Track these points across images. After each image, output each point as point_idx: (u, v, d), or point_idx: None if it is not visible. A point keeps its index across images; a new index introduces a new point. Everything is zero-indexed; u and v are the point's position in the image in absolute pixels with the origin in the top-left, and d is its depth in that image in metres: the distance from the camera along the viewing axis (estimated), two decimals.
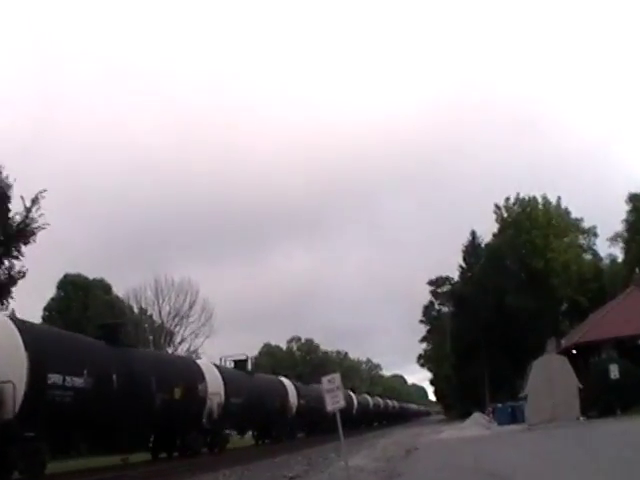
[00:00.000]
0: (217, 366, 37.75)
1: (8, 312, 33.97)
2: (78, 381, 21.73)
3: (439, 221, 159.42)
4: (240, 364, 42.17)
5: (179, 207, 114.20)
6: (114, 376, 24.23)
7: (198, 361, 38.30)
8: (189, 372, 32.65)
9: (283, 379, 49.67)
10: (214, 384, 34.11)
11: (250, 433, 46.36)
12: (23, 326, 20.56)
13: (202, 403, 32.52)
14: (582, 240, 69.82)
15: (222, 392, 34.69)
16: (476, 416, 48.55)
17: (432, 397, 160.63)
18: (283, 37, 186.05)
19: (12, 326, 19.90)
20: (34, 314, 55.33)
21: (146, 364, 28.03)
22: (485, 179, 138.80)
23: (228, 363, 42.19)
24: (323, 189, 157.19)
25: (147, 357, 29.78)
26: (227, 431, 37.88)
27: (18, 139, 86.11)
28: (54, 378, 20.55)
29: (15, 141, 76.50)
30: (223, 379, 35.40)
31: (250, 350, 72.81)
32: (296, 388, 49.20)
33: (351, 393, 66.12)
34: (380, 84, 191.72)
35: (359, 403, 71.24)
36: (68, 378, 21.20)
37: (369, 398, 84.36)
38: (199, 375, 33.08)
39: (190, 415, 31.10)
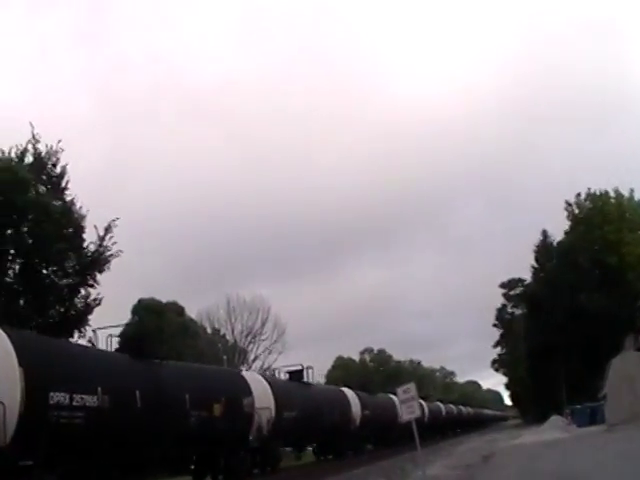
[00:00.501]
0: (266, 378, 35.42)
1: (86, 339, 33.32)
2: (90, 400, 19.29)
3: (509, 223, 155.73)
4: (295, 375, 39.59)
5: (248, 226, 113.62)
6: (138, 393, 21.86)
7: (244, 373, 35.75)
8: (232, 386, 30.16)
9: (345, 389, 47.11)
10: (263, 398, 31.56)
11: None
12: (18, 337, 17.97)
13: (249, 419, 29.99)
14: None
15: (272, 406, 32.16)
16: (554, 419, 46.92)
17: (508, 401, 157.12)
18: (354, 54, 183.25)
19: (3, 337, 17.40)
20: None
21: (179, 379, 25.66)
22: (555, 176, 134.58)
23: (283, 375, 40.05)
24: (392, 200, 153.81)
25: (180, 371, 27.22)
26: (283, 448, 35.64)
27: (91, 167, 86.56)
28: (58, 397, 18.04)
29: (88, 170, 77.61)
30: (273, 392, 32.75)
31: (323, 364, 71.80)
32: (359, 398, 46.47)
33: (422, 401, 63.53)
34: (442, 89, 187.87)
35: (431, 411, 68.51)
36: (77, 397, 18.75)
37: (441, 405, 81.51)
38: (245, 388, 30.58)
39: (234, 433, 28.50)
